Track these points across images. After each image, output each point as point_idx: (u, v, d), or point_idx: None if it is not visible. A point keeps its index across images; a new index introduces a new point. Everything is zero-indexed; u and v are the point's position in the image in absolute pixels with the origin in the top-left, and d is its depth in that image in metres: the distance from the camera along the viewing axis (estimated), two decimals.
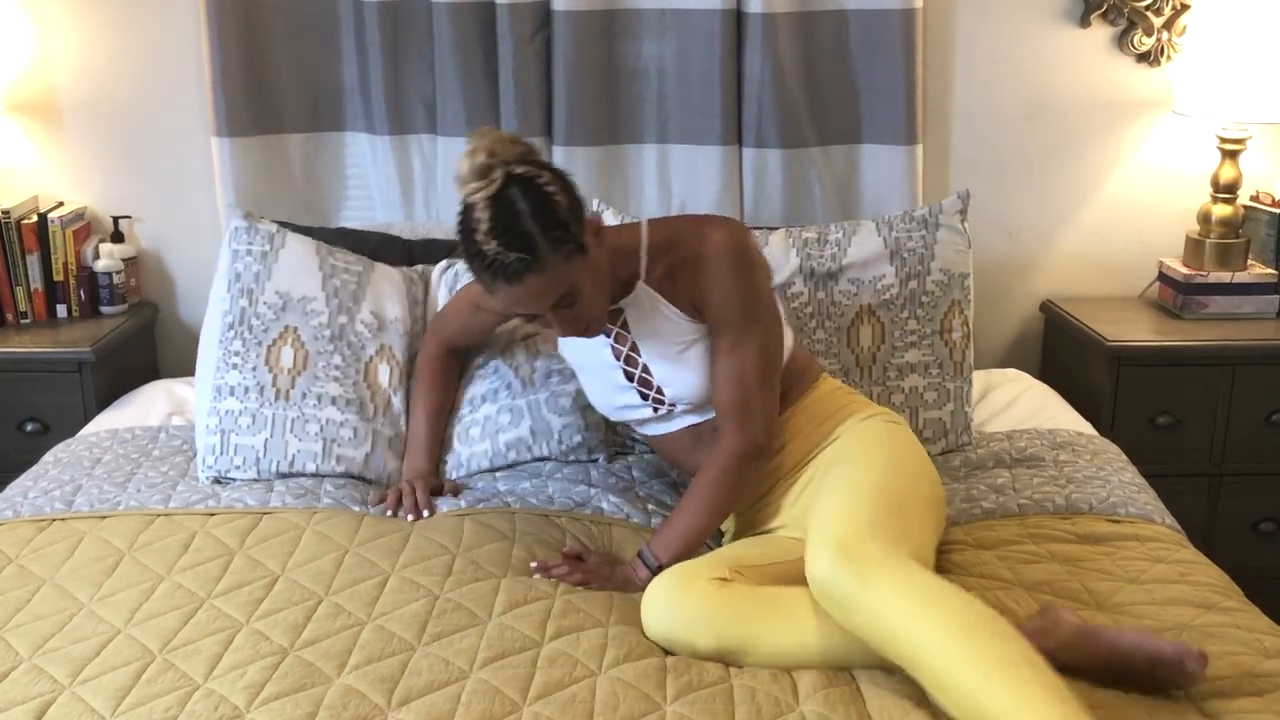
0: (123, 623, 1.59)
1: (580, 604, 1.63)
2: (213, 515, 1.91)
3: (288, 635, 1.55)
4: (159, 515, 1.91)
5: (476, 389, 2.18)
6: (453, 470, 2.15)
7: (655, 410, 1.88)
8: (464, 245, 1.66)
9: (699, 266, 1.80)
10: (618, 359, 1.87)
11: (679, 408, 1.87)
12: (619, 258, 1.82)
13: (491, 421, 2.16)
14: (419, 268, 2.39)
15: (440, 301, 2.30)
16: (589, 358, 1.92)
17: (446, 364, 2.18)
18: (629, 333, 1.86)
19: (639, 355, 1.85)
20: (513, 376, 2.18)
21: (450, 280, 2.33)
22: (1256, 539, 2.60)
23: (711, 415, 1.85)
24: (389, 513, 1.95)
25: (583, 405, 2.14)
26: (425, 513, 1.95)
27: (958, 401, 2.23)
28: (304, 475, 2.09)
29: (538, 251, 1.62)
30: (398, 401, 2.18)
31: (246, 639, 1.54)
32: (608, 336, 1.87)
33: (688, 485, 1.86)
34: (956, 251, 2.32)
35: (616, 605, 1.64)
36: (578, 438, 2.15)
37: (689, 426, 1.90)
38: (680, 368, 1.84)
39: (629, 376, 1.87)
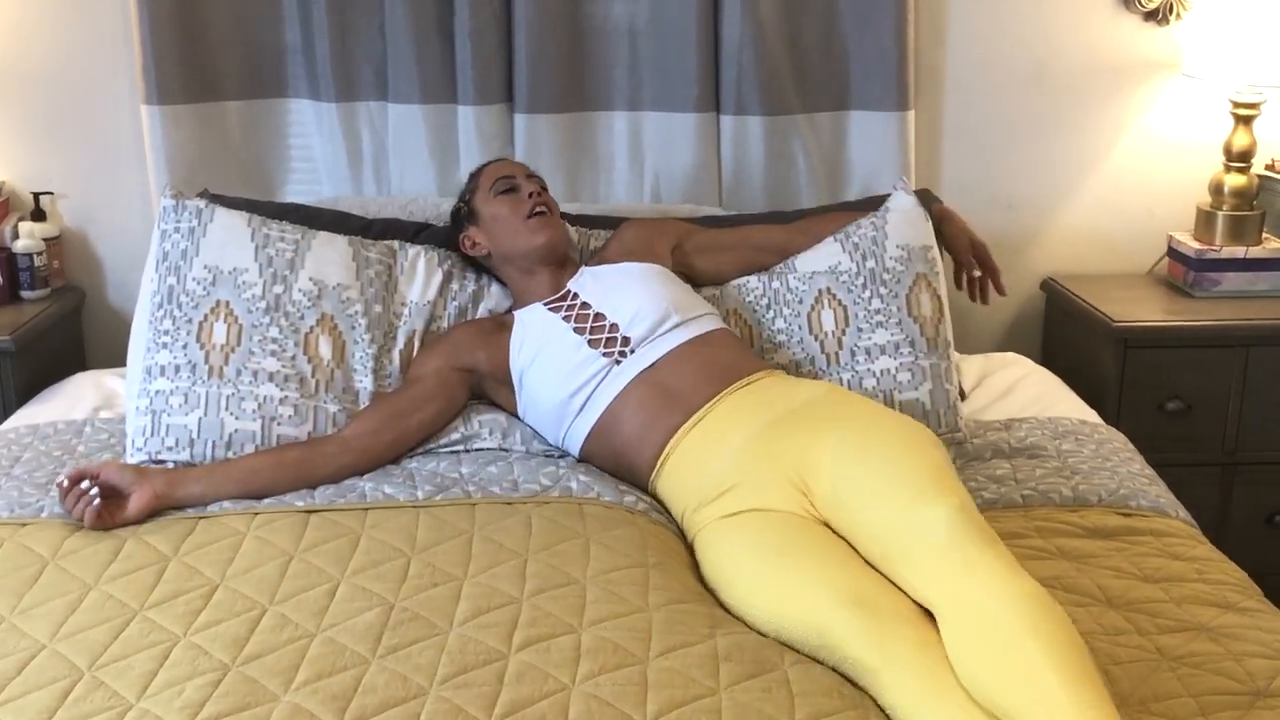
0: (47, 637, 1.54)
1: (550, 608, 1.59)
2: (144, 520, 1.86)
3: (229, 650, 1.50)
4: None
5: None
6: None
7: (606, 357, 2.06)
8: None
9: (617, 237, 2.34)
10: (568, 321, 2.14)
11: (631, 340, 2.07)
12: (569, 254, 2.34)
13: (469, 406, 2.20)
14: (382, 243, 2.32)
15: (416, 281, 2.27)
16: (544, 344, 2.13)
17: (372, 423, 2.09)
18: (577, 298, 2.18)
19: (589, 308, 2.15)
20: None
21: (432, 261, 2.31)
22: (1272, 533, 2.61)
23: (665, 352, 2.04)
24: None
25: None
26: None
27: (936, 379, 2.20)
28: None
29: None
30: (342, 375, 2.15)
31: (183, 654, 1.49)
32: (558, 313, 2.16)
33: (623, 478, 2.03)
34: (912, 225, 2.30)
35: (590, 605, 1.61)
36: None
37: (640, 375, 2.03)
38: (621, 292, 2.14)
39: (579, 331, 2.11)
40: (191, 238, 2.19)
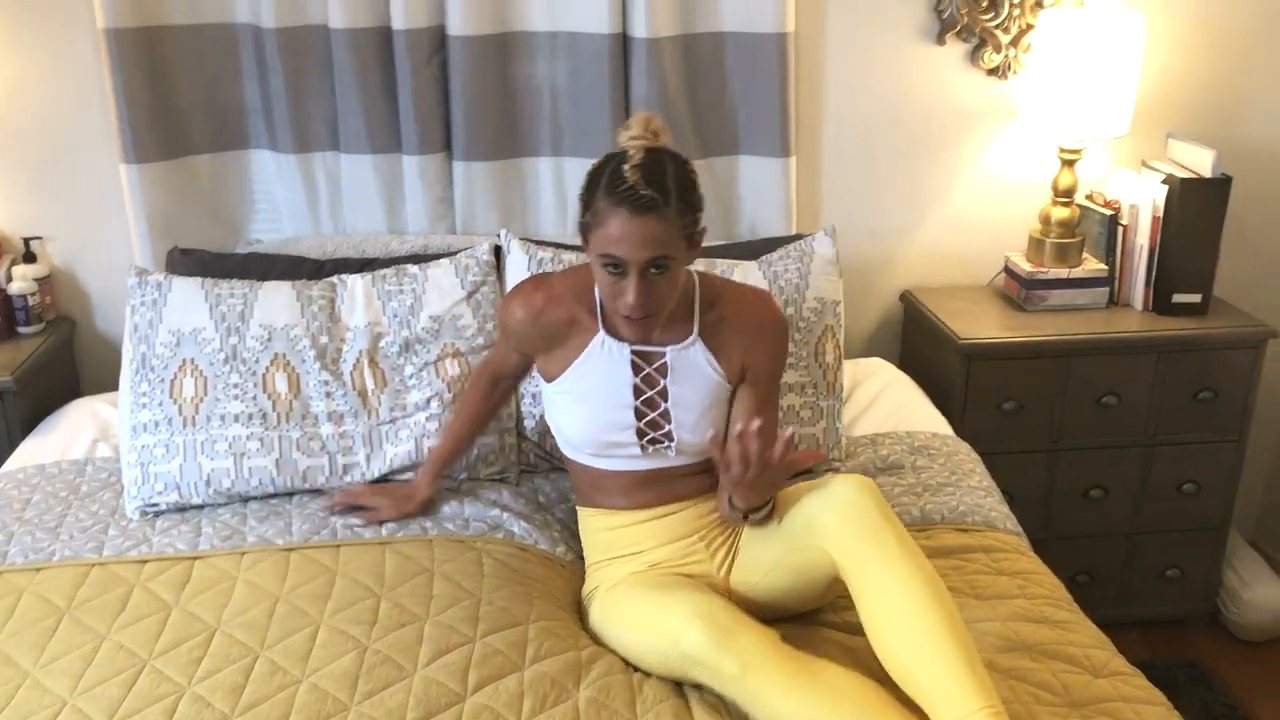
0: (68, 692, 1.56)
1: (499, 645, 1.65)
2: (146, 564, 1.87)
3: (228, 699, 1.54)
4: (94, 565, 1.87)
5: (412, 397, 2.18)
6: (377, 468, 2.15)
7: (643, 451, 1.83)
8: (604, 174, 1.66)
9: (760, 332, 1.85)
10: (636, 397, 1.82)
11: (672, 452, 1.83)
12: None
13: (420, 426, 2.17)
14: (324, 280, 2.31)
15: (357, 308, 2.24)
16: (600, 389, 1.83)
17: (482, 388, 2.09)
18: (664, 378, 1.82)
19: (664, 401, 1.81)
20: (444, 389, 2.18)
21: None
22: (1087, 503, 2.75)
23: (681, 463, 1.84)
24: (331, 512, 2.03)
25: (502, 429, 2.19)
26: (357, 521, 2.00)
27: (830, 419, 2.27)
28: (225, 505, 2.09)
29: (669, 200, 1.63)
30: (299, 404, 2.15)
31: (189, 708, 1.53)
32: (635, 375, 1.82)
33: (590, 515, 1.93)
34: (829, 281, 2.34)
35: (531, 641, 1.67)
36: (492, 457, 2.20)
37: (653, 469, 1.85)
38: (704, 420, 1.83)
39: (639, 415, 1.82)
40: (155, 308, 2.18)
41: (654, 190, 1.61)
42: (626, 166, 1.63)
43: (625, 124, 1.70)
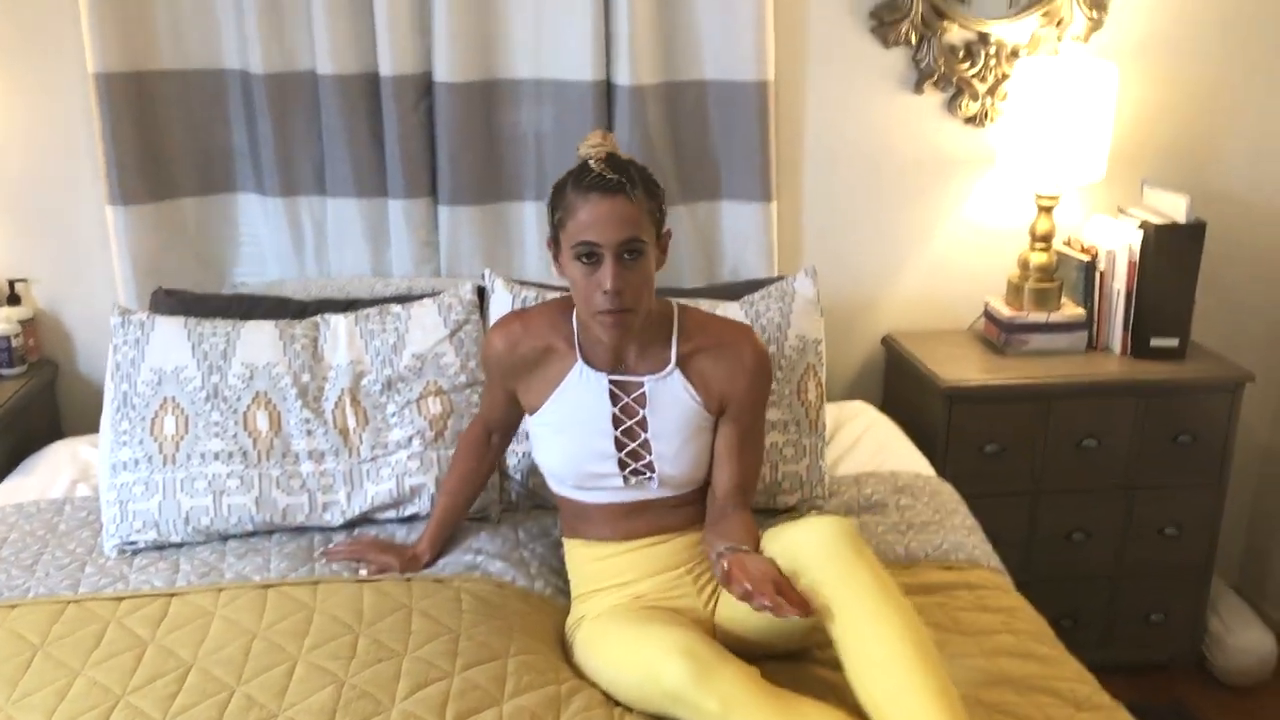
0: None
1: (479, 679, 1.64)
2: (122, 600, 1.86)
3: None
4: (69, 602, 1.85)
5: (393, 435, 2.18)
6: (358, 506, 2.14)
7: (625, 482, 1.86)
8: (569, 178, 1.74)
9: (740, 363, 1.87)
10: (615, 427, 1.84)
11: (654, 484, 1.85)
12: (652, 316, 1.84)
13: (401, 464, 2.17)
14: (308, 320, 2.31)
15: (340, 347, 2.23)
16: (580, 419, 1.86)
17: (473, 443, 2.09)
18: (642, 408, 1.84)
19: (644, 431, 1.84)
20: (426, 427, 2.18)
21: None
22: (1069, 546, 2.75)
23: (665, 494, 1.86)
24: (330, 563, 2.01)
25: None
26: (362, 571, 1.99)
27: (813, 456, 2.28)
28: (204, 544, 2.08)
29: (635, 185, 1.72)
30: (280, 442, 2.14)
31: None
32: (614, 404, 1.85)
33: (576, 546, 1.92)
34: (810, 319, 2.36)
35: (510, 675, 1.66)
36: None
37: (638, 500, 1.87)
38: (685, 450, 1.85)
39: (619, 446, 1.84)
40: (138, 347, 2.19)
41: (620, 175, 1.71)
42: (591, 161, 1.73)
43: (584, 138, 1.78)
